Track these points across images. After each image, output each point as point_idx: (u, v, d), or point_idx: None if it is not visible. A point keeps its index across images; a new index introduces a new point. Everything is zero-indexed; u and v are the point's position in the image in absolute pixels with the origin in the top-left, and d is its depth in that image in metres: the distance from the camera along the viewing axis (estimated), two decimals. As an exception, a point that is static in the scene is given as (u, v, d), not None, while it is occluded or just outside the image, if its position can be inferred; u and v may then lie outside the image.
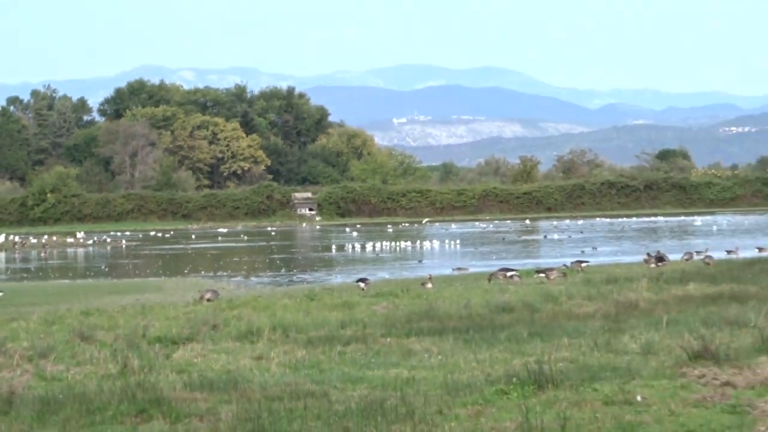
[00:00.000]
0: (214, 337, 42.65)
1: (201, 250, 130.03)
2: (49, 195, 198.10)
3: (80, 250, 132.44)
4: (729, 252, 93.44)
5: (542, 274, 71.73)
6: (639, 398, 27.48)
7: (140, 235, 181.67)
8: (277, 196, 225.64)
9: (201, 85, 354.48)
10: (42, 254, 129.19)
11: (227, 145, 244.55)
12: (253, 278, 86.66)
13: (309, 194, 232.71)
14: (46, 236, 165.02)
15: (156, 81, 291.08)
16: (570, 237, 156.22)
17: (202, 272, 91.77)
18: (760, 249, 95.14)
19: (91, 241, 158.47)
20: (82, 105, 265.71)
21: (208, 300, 62.09)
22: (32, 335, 43.66)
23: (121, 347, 39.28)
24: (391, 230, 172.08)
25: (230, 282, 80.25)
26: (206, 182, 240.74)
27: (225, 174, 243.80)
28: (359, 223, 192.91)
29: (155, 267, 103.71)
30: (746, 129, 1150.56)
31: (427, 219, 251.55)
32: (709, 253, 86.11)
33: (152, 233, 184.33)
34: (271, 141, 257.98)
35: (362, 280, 74.28)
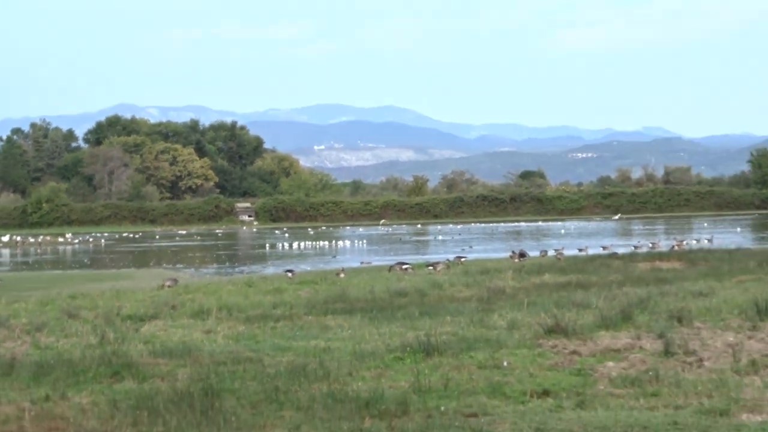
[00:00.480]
0: (173, 315, 42.70)
1: (163, 248, 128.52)
2: (44, 204, 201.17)
3: (68, 248, 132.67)
4: (581, 250, 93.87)
5: (431, 267, 71.49)
6: (505, 363, 27.86)
7: (116, 236, 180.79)
8: (223, 206, 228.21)
9: (164, 119, 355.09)
10: (38, 251, 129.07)
11: (184, 166, 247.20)
12: (203, 269, 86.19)
13: (248, 204, 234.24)
14: (41, 237, 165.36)
15: (128, 116, 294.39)
16: (452, 238, 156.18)
17: (164, 265, 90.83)
18: (604, 248, 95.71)
19: (77, 241, 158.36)
20: (70, 135, 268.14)
21: (169, 286, 61.87)
22: (30, 313, 43.57)
23: (100, 323, 39.29)
24: (312, 232, 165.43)
25: (186, 272, 79.20)
26: (168, 195, 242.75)
27: (183, 188, 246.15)
28: (287, 227, 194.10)
29: (127, 261, 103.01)
30: (589, 155, 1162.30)
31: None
32: (561, 251, 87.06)
33: (125, 234, 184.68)
34: (218, 163, 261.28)
35: (290, 270, 74.08)
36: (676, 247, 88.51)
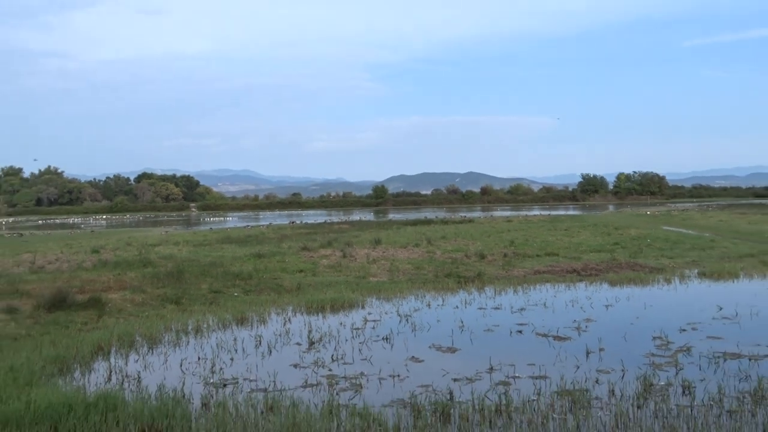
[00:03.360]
0: (167, 244, 39.76)
1: (163, 220, 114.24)
2: (118, 204, 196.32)
3: (128, 220, 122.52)
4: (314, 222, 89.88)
5: (263, 227, 68.14)
6: (287, 260, 27.30)
7: (145, 216, 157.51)
8: (184, 206, 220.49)
9: (162, 173, 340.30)
10: (116, 222, 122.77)
11: (170, 191, 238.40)
12: (177, 228, 77.38)
13: (194, 205, 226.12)
14: (117, 216, 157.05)
15: (150, 172, 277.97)
16: (268, 218, 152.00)
17: (163, 226, 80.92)
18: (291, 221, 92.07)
19: (131, 218, 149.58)
20: (128, 179, 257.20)
21: (165, 233, 58.32)
22: (112, 244, 40.38)
23: (139, 246, 37.16)
24: (219, 216, 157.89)
25: (172, 229, 72.03)
26: (164, 201, 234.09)
27: (170, 199, 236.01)
28: (209, 213, 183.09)
29: (150, 225, 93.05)
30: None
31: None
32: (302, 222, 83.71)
33: (148, 216, 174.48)
34: (183, 190, 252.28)
35: (210, 228, 69.07)
36: (346, 219, 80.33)
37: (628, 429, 8.32)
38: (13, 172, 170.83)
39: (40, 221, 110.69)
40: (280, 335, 14.06)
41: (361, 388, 10.29)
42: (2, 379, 10.43)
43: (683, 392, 9.68)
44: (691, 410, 8.90)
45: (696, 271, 22.51)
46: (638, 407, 9.04)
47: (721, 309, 15.74)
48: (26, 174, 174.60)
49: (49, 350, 12.59)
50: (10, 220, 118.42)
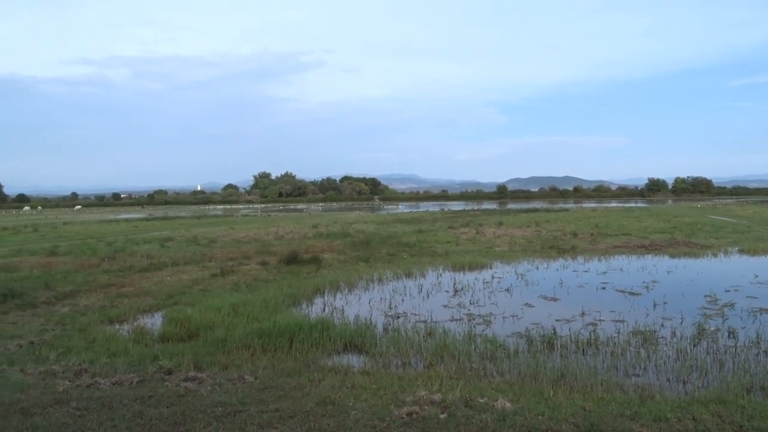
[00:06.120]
0: (359, 222, 37.36)
1: (357, 207, 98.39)
2: (329, 197, 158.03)
3: (334, 206, 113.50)
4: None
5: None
6: (438, 235, 26.28)
7: (348, 204, 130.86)
8: (370, 198, 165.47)
9: (357, 176, 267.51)
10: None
11: (362, 188, 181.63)
12: (365, 212, 62.60)
13: (377, 197, 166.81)
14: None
15: (348, 175, 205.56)
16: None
17: (358, 211, 68.47)
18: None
19: (339, 206, 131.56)
20: (334, 180, 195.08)
21: (358, 216, 48.21)
22: (326, 222, 39.59)
23: (342, 224, 35.89)
24: (388, 204, 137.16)
25: (363, 213, 60.97)
26: (358, 194, 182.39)
27: (360, 193, 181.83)
28: (387, 203, 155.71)
29: (348, 210, 77.75)
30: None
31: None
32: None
33: (349, 204, 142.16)
34: (369, 186, 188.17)
35: (388, 213, 57.23)
36: (478, 208, 70.67)
37: (687, 361, 7.71)
38: (265, 175, 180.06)
39: (280, 207, 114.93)
40: (434, 285, 13.92)
41: (491, 323, 10.10)
42: (259, 307, 10.93)
43: (729, 336, 8.89)
44: (735, 349, 8.15)
45: (736, 248, 20.51)
46: (694, 345, 8.40)
47: (756, 276, 14.37)
48: (273, 176, 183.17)
49: (286, 290, 13.03)
50: (262, 206, 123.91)
